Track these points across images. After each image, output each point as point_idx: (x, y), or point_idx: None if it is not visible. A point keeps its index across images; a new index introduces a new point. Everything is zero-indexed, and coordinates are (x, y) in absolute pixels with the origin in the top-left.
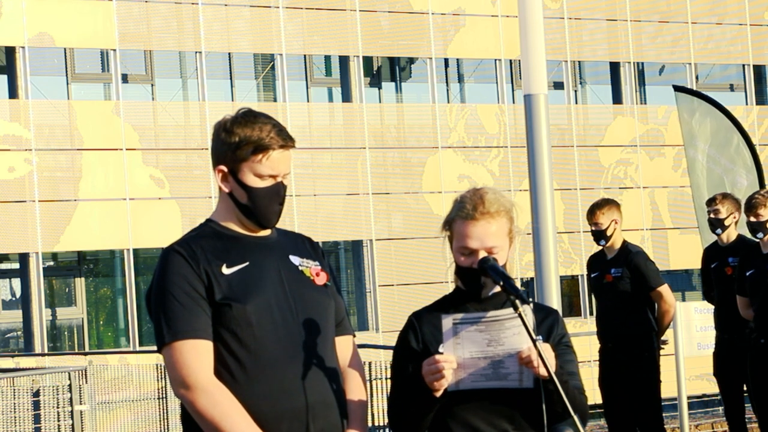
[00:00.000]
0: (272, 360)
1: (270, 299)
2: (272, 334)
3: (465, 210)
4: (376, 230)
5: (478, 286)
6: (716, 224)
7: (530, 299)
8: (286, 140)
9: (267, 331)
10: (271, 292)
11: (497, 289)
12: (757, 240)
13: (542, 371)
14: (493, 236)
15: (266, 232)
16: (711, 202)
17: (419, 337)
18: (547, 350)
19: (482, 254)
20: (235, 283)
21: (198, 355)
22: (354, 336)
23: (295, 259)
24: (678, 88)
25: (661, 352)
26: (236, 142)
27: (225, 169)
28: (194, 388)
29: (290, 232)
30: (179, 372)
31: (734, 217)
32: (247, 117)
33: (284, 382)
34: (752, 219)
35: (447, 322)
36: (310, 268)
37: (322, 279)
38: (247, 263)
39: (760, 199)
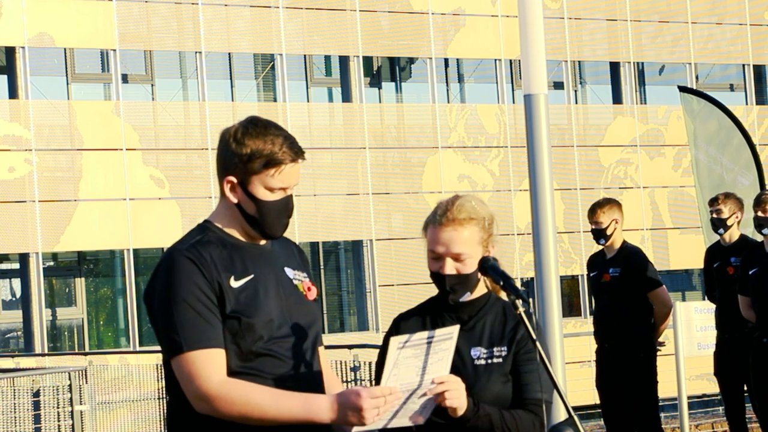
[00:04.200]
0: (272, 372)
1: (272, 313)
2: (274, 347)
3: (436, 215)
4: (376, 230)
5: (445, 291)
6: (719, 224)
7: (530, 299)
8: (298, 154)
9: (269, 344)
10: (273, 306)
11: (472, 296)
12: (762, 236)
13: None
14: (459, 244)
15: (264, 240)
16: (713, 201)
17: None
18: (454, 384)
19: (448, 261)
20: (243, 297)
21: (210, 364)
22: (323, 345)
23: (289, 272)
24: (683, 89)
25: (661, 352)
26: (247, 154)
27: (234, 180)
28: (208, 398)
29: (280, 238)
30: (194, 383)
31: (737, 217)
32: (258, 128)
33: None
34: (760, 214)
35: (393, 343)
36: (302, 282)
37: (313, 293)
38: (252, 276)
39: None
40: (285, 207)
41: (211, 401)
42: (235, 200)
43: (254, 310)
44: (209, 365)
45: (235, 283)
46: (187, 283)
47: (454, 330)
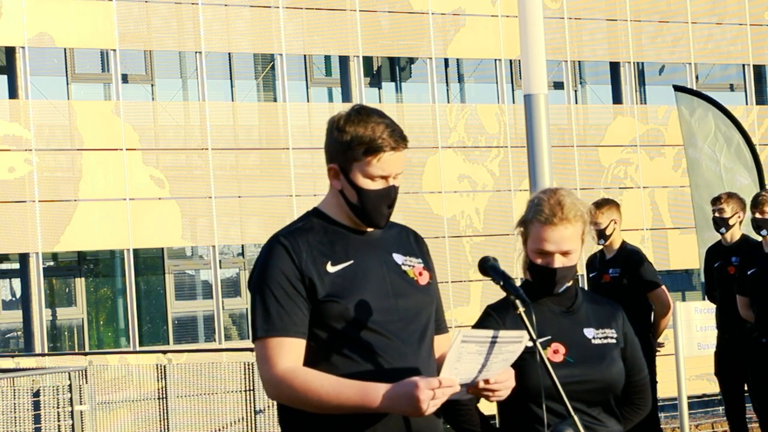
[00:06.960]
0: (371, 360)
1: (372, 299)
2: (373, 334)
3: (544, 214)
4: None
5: (552, 284)
6: (720, 223)
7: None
8: (399, 142)
9: (368, 330)
10: (374, 292)
11: (568, 283)
12: (761, 237)
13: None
14: (568, 240)
15: (369, 228)
16: (716, 201)
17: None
18: (509, 383)
19: (558, 257)
20: (339, 282)
21: (281, 351)
22: (448, 332)
23: (398, 258)
24: (678, 88)
25: (661, 352)
26: (347, 141)
27: (336, 167)
28: (272, 383)
29: (396, 225)
30: (262, 368)
31: (739, 217)
32: (360, 115)
33: (382, 381)
34: (758, 216)
35: (458, 337)
36: (413, 267)
37: (425, 279)
38: (352, 261)
39: (767, 196)
40: (385, 196)
41: (275, 386)
42: (338, 187)
43: (350, 295)
44: (279, 352)
45: (331, 268)
46: (275, 270)
47: (523, 335)
